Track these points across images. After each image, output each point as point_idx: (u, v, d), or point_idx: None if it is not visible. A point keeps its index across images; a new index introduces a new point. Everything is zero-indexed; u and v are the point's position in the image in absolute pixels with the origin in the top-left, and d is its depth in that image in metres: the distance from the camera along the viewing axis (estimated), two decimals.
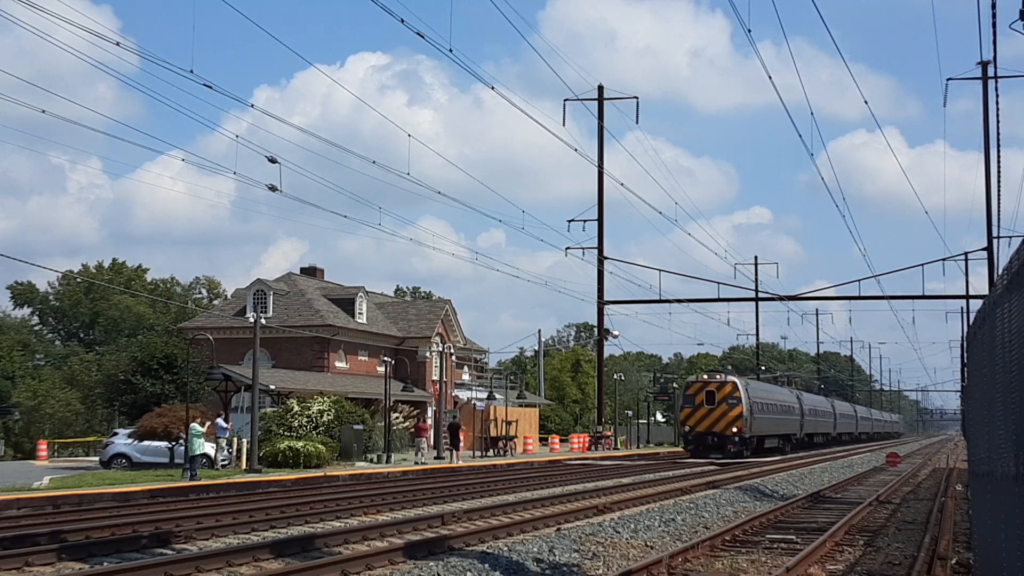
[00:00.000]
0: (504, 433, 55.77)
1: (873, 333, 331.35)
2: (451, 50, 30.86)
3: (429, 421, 54.95)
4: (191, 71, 20.14)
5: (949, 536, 17.44)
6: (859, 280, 45.25)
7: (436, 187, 31.74)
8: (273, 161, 23.94)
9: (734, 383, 51.69)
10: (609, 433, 67.29)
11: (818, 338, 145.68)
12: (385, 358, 48.53)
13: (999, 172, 26.36)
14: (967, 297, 44.40)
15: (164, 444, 37.09)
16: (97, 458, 42.52)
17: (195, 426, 32.04)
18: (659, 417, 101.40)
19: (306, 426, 40.97)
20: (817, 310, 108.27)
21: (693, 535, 17.59)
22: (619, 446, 70.02)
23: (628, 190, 42.28)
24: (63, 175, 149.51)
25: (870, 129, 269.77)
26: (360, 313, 61.21)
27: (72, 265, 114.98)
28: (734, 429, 50.33)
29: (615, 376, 79.72)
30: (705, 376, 54.45)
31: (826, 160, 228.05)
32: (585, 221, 59.54)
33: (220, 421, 37.20)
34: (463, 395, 66.05)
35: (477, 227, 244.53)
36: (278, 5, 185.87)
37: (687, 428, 51.83)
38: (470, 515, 19.94)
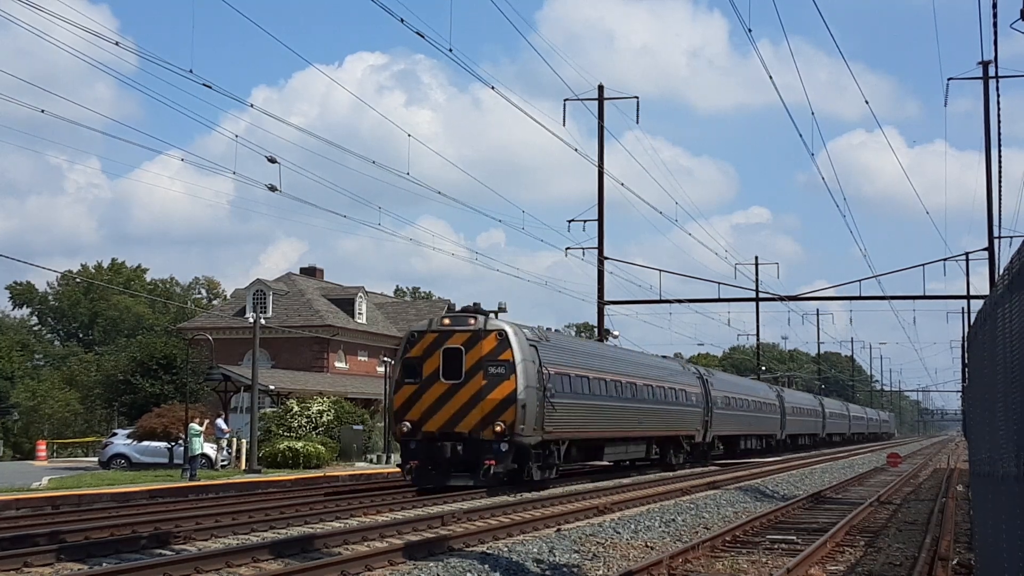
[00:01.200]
0: None
1: (874, 333, 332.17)
2: (451, 50, 30.78)
3: None
4: (190, 71, 20.10)
5: (950, 537, 17.42)
6: (859, 280, 44.81)
7: (436, 187, 31.64)
8: (273, 161, 23.91)
9: (501, 333, 25.83)
10: None
11: (819, 338, 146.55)
12: (385, 358, 48.54)
13: (1000, 172, 26.31)
14: (968, 297, 44.33)
15: (163, 444, 37.13)
16: (96, 458, 42.55)
17: (194, 426, 32.03)
18: None
19: (306, 426, 40.97)
20: (817, 310, 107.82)
21: (693, 536, 17.57)
22: None
23: (628, 190, 42.14)
24: (61, 175, 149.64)
25: (869, 129, 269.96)
26: (360, 313, 61.22)
27: (71, 265, 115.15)
28: (498, 427, 25.22)
29: None
30: (447, 321, 26.74)
31: (826, 160, 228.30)
32: (585, 221, 59.15)
33: (219, 422, 37.19)
34: None
35: (477, 227, 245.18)
36: (277, 5, 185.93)
37: (406, 426, 25.99)
38: (470, 515, 19.91)
